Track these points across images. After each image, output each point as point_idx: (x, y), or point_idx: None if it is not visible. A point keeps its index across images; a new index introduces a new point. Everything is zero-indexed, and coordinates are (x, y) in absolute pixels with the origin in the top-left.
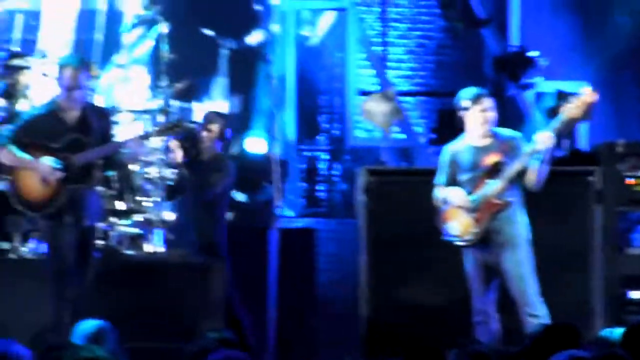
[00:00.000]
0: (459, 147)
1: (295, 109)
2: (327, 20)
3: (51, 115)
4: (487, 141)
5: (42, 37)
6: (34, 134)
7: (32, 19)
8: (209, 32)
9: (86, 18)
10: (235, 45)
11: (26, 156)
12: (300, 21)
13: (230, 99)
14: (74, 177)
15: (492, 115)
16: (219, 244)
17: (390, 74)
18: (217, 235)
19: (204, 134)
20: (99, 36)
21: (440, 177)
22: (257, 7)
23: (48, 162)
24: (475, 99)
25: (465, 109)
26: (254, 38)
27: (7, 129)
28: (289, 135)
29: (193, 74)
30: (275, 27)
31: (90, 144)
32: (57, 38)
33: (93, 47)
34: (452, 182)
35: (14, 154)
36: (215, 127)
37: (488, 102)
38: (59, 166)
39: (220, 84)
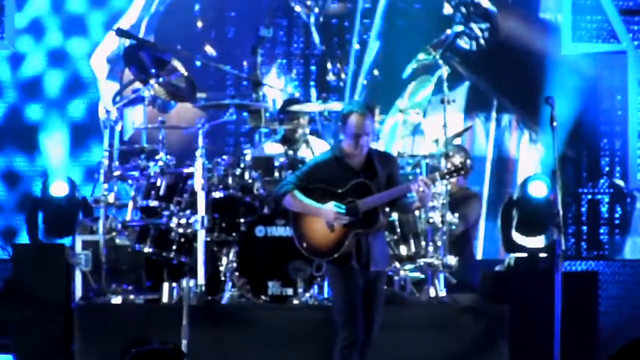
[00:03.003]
0: None
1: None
2: None
3: (336, 160)
4: None
5: None
6: (319, 179)
7: None
8: None
9: None
10: None
11: (312, 202)
12: None
13: None
14: (359, 222)
15: None
16: (469, 282)
17: None
18: (468, 273)
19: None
20: None
21: None
22: None
23: (333, 207)
24: None
25: None
26: None
27: (292, 175)
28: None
29: None
30: None
31: (375, 189)
32: None
33: None
34: None
35: (300, 200)
36: (456, 160)
37: None
38: (343, 211)
39: None
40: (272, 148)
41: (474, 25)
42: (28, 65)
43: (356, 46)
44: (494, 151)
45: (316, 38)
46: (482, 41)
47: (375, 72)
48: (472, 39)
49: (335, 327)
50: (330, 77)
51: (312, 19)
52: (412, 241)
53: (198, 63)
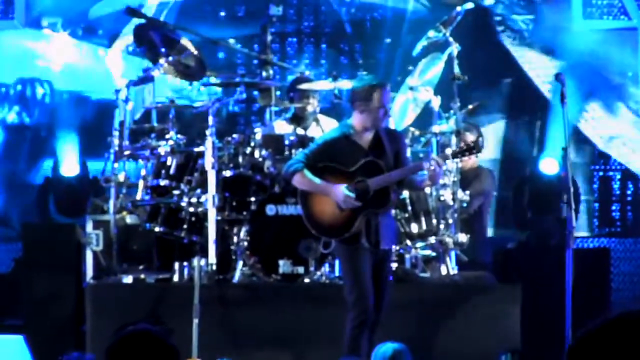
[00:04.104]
0: None
1: None
2: None
3: (345, 139)
4: None
5: None
6: (328, 157)
7: None
8: None
9: None
10: None
11: (321, 181)
12: None
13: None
14: (370, 202)
15: None
16: (482, 260)
17: None
18: (479, 250)
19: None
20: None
21: None
22: None
23: (344, 190)
24: None
25: None
26: None
27: (301, 153)
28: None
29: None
30: None
31: (385, 168)
32: None
33: None
34: None
35: (310, 179)
36: (470, 138)
37: None
38: (352, 195)
39: None
40: (282, 126)
41: (517, 17)
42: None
43: (387, 40)
44: None
45: (347, 28)
46: (526, 34)
47: (410, 67)
48: (515, 32)
49: (346, 306)
50: (363, 74)
51: (344, 10)
52: (423, 219)
53: (220, 55)
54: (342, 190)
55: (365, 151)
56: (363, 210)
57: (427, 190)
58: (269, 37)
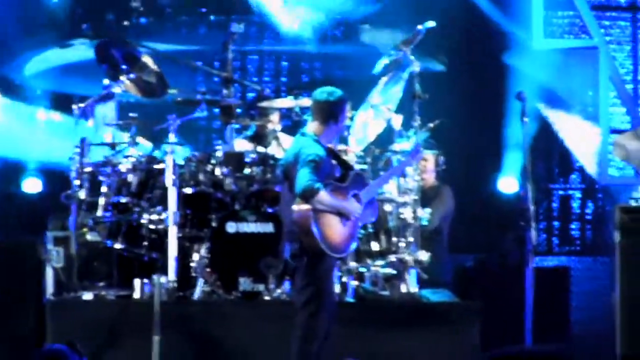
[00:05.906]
0: None
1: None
2: None
3: (327, 153)
4: None
5: None
6: (324, 175)
7: None
8: None
9: None
10: None
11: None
12: None
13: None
14: (366, 213)
15: None
16: (442, 278)
17: None
18: (439, 269)
19: (421, 164)
20: None
21: None
22: None
23: (356, 202)
24: None
25: None
26: None
27: (308, 172)
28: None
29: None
30: None
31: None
32: None
33: None
34: None
35: (330, 198)
36: (430, 157)
37: None
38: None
39: None
40: (243, 144)
41: None
42: None
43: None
44: None
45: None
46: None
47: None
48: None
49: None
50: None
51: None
52: (383, 237)
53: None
54: (356, 203)
55: (335, 165)
56: (360, 223)
57: (387, 208)
58: (230, 55)
